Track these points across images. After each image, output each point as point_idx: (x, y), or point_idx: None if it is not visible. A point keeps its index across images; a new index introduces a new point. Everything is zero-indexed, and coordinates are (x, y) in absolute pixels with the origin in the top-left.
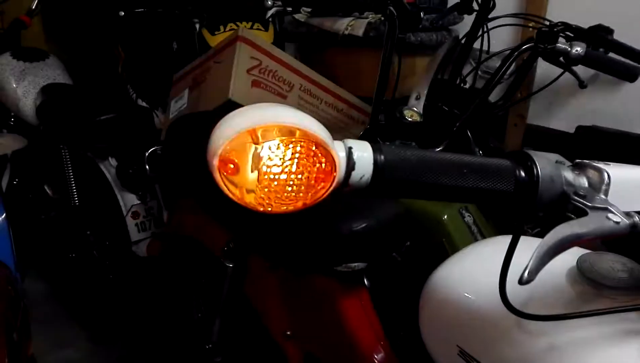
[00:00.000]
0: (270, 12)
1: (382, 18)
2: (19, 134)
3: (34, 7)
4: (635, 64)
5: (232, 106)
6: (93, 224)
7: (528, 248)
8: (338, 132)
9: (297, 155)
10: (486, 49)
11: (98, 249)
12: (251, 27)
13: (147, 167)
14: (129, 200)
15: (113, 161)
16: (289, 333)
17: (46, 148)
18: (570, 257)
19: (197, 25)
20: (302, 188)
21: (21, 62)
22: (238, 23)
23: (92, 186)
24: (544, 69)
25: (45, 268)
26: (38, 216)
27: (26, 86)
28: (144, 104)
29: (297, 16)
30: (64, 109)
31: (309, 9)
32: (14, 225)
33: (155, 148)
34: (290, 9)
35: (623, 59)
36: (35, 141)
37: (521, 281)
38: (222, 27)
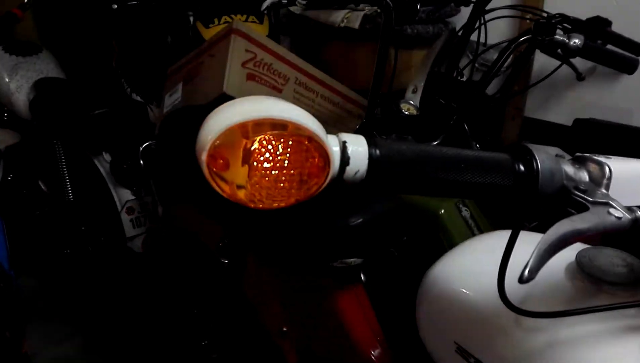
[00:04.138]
0: (265, 5)
1: (378, 10)
2: (12, 129)
3: (26, 1)
4: (633, 55)
5: (226, 99)
6: (88, 220)
7: (526, 242)
8: (334, 126)
9: (289, 150)
10: (483, 41)
11: (93, 245)
12: (246, 20)
13: (141, 162)
14: (123, 196)
15: (107, 156)
16: (285, 329)
17: (40, 143)
18: (569, 252)
19: (191, 18)
20: (294, 183)
21: (13, 57)
22: (232, 16)
23: (87, 182)
24: (542, 62)
25: (40, 265)
26: (32, 212)
27: (19, 80)
28: (138, 98)
29: (292, 9)
30: (57, 104)
31: (305, 1)
32: (8, 221)
33: (150, 142)
34: (285, 1)
35: (621, 51)
36: (29, 136)
37: (521, 280)
38: (216, 20)
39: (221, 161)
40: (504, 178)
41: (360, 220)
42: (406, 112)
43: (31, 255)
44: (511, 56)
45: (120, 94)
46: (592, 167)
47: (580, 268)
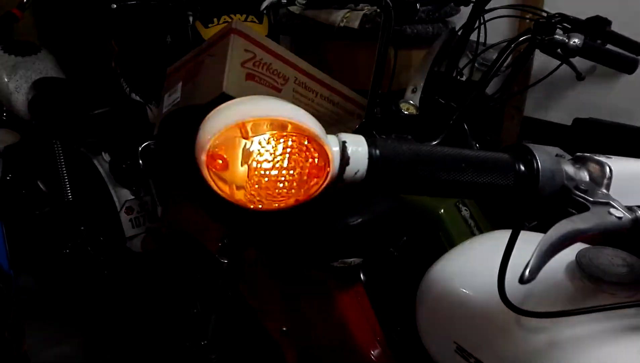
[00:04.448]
0: (264, 5)
1: (378, 10)
2: (11, 129)
3: (25, 0)
4: (633, 55)
5: (226, 99)
6: (87, 220)
7: (526, 242)
8: (334, 125)
9: (288, 150)
10: (483, 41)
11: (92, 245)
12: (245, 20)
13: (140, 162)
14: (122, 195)
15: (106, 156)
16: (284, 329)
17: (39, 143)
18: (569, 252)
19: (191, 18)
20: (294, 184)
21: (13, 56)
22: (232, 15)
23: (86, 182)
24: (541, 61)
25: (39, 265)
26: (31, 212)
27: (18, 80)
28: (137, 98)
29: (291, 8)
30: (56, 104)
31: (304, 1)
32: (7, 221)
33: (149, 142)
34: (285, 1)
35: (621, 51)
36: (28, 136)
37: (522, 280)
38: (215, 20)
39: (220, 161)
40: (504, 178)
41: (360, 220)
42: (406, 112)
43: (31, 255)
44: (511, 56)
45: (120, 93)
46: (593, 167)
47: (580, 268)
